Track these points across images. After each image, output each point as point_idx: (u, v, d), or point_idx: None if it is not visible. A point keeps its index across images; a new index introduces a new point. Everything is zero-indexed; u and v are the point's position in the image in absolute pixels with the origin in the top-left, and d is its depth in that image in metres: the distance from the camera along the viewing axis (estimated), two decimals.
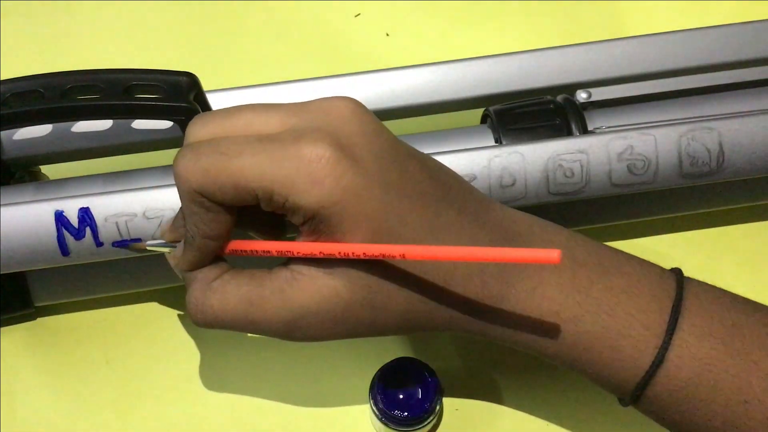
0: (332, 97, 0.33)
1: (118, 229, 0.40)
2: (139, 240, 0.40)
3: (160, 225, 0.39)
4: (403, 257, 0.31)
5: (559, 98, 0.46)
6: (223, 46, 0.59)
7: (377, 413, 0.42)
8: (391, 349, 0.46)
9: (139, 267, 0.45)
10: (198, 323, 0.35)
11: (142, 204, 0.40)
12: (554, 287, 0.34)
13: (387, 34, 0.59)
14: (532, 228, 0.35)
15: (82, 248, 0.40)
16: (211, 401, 0.46)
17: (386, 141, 0.33)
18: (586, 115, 0.45)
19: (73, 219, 0.40)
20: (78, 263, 0.41)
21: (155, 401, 0.46)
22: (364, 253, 0.31)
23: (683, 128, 0.42)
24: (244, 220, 0.35)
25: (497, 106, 0.45)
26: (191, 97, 0.40)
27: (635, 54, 0.47)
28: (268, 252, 0.34)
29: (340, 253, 0.32)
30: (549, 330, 0.34)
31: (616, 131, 0.43)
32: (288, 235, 0.37)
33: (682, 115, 0.45)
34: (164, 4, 0.60)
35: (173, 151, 0.45)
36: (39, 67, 0.42)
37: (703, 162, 0.42)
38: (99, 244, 0.40)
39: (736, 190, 0.48)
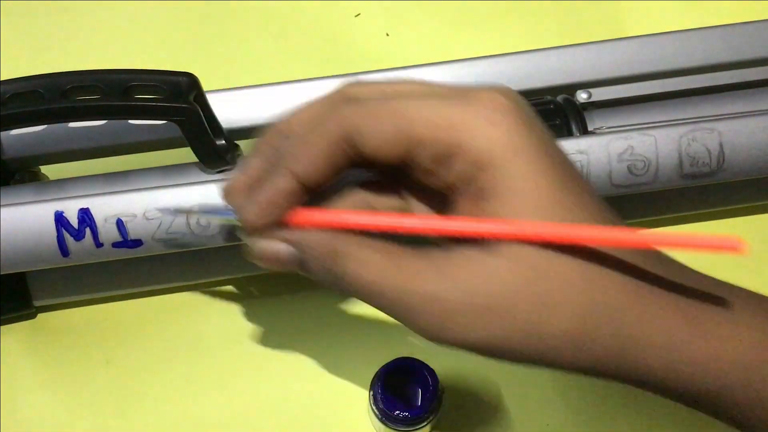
0: (492, 84, 0.30)
1: (118, 230, 0.40)
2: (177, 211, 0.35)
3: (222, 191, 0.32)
4: (595, 243, 0.26)
5: (559, 98, 0.46)
6: (223, 46, 0.59)
7: (377, 413, 0.42)
8: (391, 349, 0.46)
9: (139, 267, 0.45)
10: (326, 275, 0.29)
11: (142, 204, 0.40)
12: (746, 320, 0.29)
13: (387, 34, 0.59)
14: (711, 279, 0.30)
15: (82, 249, 0.40)
16: (211, 401, 0.46)
17: (543, 127, 0.29)
18: (586, 115, 0.45)
19: (73, 219, 0.40)
20: (78, 263, 0.41)
21: (155, 401, 0.46)
22: (542, 236, 0.26)
23: (683, 129, 0.42)
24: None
25: None
26: (191, 97, 0.40)
27: (635, 54, 0.47)
28: (399, 227, 0.29)
29: (509, 235, 0.27)
30: (757, 367, 0.28)
31: (616, 131, 0.43)
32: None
33: (683, 115, 0.45)
34: (164, 4, 0.60)
35: (173, 151, 0.45)
36: (39, 67, 0.42)
37: (703, 162, 0.42)
38: (99, 244, 0.40)
39: (736, 190, 0.48)
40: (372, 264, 0.28)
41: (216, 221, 0.33)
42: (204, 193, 0.41)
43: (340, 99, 0.30)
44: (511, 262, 0.27)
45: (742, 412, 0.29)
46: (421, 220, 0.30)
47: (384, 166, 0.29)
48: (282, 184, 0.29)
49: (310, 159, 0.28)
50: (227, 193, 0.31)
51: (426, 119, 0.27)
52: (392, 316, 0.29)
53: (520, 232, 0.27)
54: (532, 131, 0.28)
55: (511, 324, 0.27)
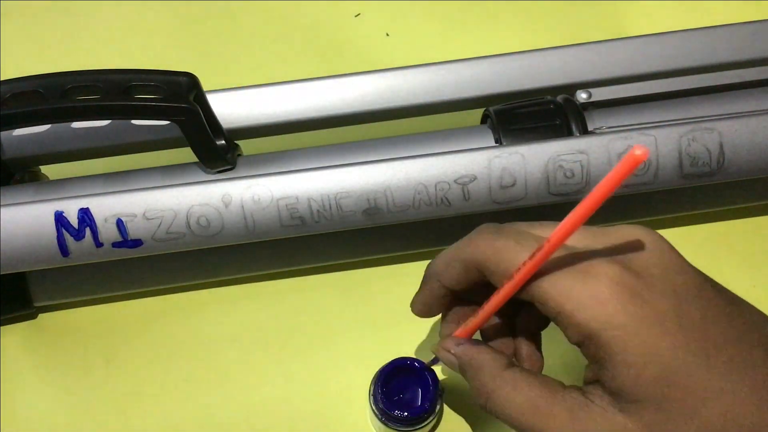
0: (634, 226, 0.32)
1: (118, 230, 0.40)
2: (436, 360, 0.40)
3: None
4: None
5: (559, 98, 0.46)
6: (223, 46, 0.59)
7: (377, 413, 0.42)
8: (391, 349, 0.46)
9: (139, 267, 0.45)
10: (483, 407, 0.34)
11: (142, 204, 0.40)
12: None
13: (387, 34, 0.59)
14: None
15: (82, 249, 0.40)
16: (211, 401, 0.46)
17: (690, 278, 0.31)
18: (586, 115, 0.45)
19: (73, 219, 0.40)
20: (78, 263, 0.41)
21: (155, 401, 0.46)
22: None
23: (683, 128, 0.42)
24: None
25: (497, 106, 0.45)
26: (191, 97, 0.40)
27: (635, 54, 0.46)
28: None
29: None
30: None
31: (616, 131, 0.43)
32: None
33: (683, 115, 0.45)
34: (164, 4, 0.60)
35: (173, 151, 0.45)
36: (39, 67, 0.42)
37: (703, 162, 0.42)
38: (99, 244, 0.40)
39: (736, 190, 0.48)
40: (514, 403, 0.33)
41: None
42: (203, 193, 0.41)
43: (483, 228, 0.34)
44: (643, 424, 0.29)
45: None
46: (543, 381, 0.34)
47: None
48: (433, 289, 0.36)
49: (449, 274, 0.35)
50: (411, 306, 0.39)
51: (540, 285, 0.31)
52: None
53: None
54: (643, 305, 0.29)
55: None
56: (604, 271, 0.30)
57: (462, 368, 0.36)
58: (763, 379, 0.29)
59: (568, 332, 0.31)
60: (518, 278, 0.31)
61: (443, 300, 0.37)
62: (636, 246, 0.31)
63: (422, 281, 0.37)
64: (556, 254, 0.31)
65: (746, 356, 0.30)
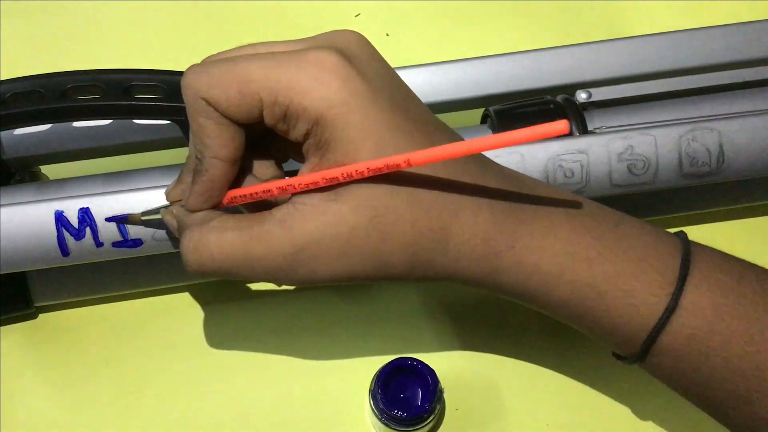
0: (338, 29, 0.33)
1: (119, 230, 0.40)
2: (125, 216, 0.39)
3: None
4: (408, 164, 0.30)
5: (559, 98, 0.46)
6: (223, 46, 0.58)
7: (377, 413, 0.42)
8: (391, 349, 0.46)
9: (139, 267, 0.45)
10: (191, 266, 0.33)
11: (142, 204, 0.40)
12: (567, 229, 0.33)
13: (387, 34, 0.59)
14: (528, 180, 0.35)
15: (82, 248, 0.40)
16: (211, 401, 0.46)
17: (390, 69, 0.33)
18: (586, 115, 0.45)
19: (73, 219, 0.40)
20: (78, 263, 0.41)
21: (155, 401, 0.46)
22: (367, 169, 0.30)
23: (683, 128, 0.42)
24: (247, 172, 0.34)
25: (497, 106, 0.45)
26: None
27: (635, 54, 0.46)
28: (269, 192, 0.33)
29: (343, 175, 0.30)
30: (563, 272, 0.33)
31: (616, 131, 0.43)
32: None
33: (682, 115, 0.45)
34: (164, 4, 0.60)
35: (173, 151, 0.45)
36: (39, 67, 0.42)
37: (703, 162, 0.42)
38: (99, 244, 0.40)
39: (736, 190, 0.48)
40: (223, 244, 0.32)
41: (155, 218, 0.37)
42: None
43: (186, 72, 0.32)
44: (351, 205, 0.31)
45: (549, 311, 0.35)
46: (291, 180, 0.32)
47: (254, 127, 0.32)
48: (211, 170, 0.32)
49: (211, 138, 0.32)
50: (168, 196, 0.36)
51: (264, 82, 0.30)
52: (257, 281, 0.33)
53: (350, 172, 0.30)
54: (360, 83, 0.31)
55: (362, 257, 0.32)
56: (321, 57, 0.30)
57: (179, 230, 0.35)
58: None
59: (298, 124, 0.31)
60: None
61: (228, 179, 0.33)
62: (343, 39, 0.32)
63: (189, 164, 0.34)
64: (274, 52, 0.31)
65: (439, 136, 0.33)
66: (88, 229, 0.40)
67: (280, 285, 0.34)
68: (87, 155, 0.46)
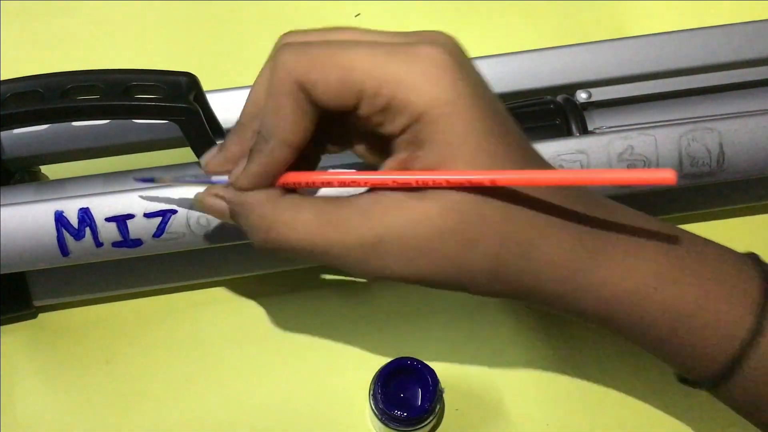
0: (435, 30, 0.32)
1: (118, 230, 0.40)
2: (150, 179, 0.37)
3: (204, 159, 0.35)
4: (494, 183, 0.29)
5: (559, 98, 0.46)
6: (223, 46, 0.59)
7: (377, 413, 0.42)
8: (391, 349, 0.46)
9: (139, 267, 0.45)
10: (266, 244, 0.32)
11: (142, 204, 0.40)
12: (653, 251, 0.32)
13: None
14: (613, 202, 0.34)
15: (82, 248, 0.40)
16: (211, 401, 0.46)
17: (482, 75, 0.32)
18: (586, 115, 0.45)
19: (73, 219, 0.40)
20: (78, 263, 0.41)
21: (155, 401, 0.46)
22: (468, 180, 0.29)
23: (683, 128, 0.42)
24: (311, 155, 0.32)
25: None
26: (191, 97, 0.40)
27: (635, 54, 0.47)
28: (329, 184, 0.31)
29: (435, 182, 0.29)
30: (649, 293, 0.32)
31: (616, 131, 0.43)
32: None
33: (682, 115, 0.45)
34: (164, 4, 0.60)
35: (173, 151, 0.45)
36: (39, 67, 0.42)
37: (703, 162, 0.42)
38: (99, 244, 0.40)
39: (736, 190, 0.48)
40: (300, 224, 0.31)
41: (189, 188, 0.36)
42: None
43: (282, 49, 0.30)
44: (440, 207, 0.30)
45: (631, 333, 0.33)
46: (359, 175, 0.31)
47: (335, 113, 0.31)
48: (276, 153, 0.31)
49: (286, 121, 0.30)
50: (208, 166, 0.34)
51: (370, 72, 0.29)
52: (329, 266, 0.32)
53: (447, 179, 0.29)
54: (467, 86, 0.30)
55: (441, 260, 0.30)
56: (433, 53, 0.29)
57: (234, 212, 0.33)
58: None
59: (397, 118, 0.30)
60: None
61: (286, 163, 0.32)
62: (444, 39, 0.31)
63: (251, 147, 0.32)
64: (374, 42, 0.30)
65: (531, 151, 0.32)
66: (87, 229, 0.40)
67: (349, 275, 0.32)
68: (87, 155, 0.46)
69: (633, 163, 0.42)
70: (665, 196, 0.46)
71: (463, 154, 0.29)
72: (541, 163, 0.33)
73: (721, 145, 0.42)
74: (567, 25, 0.59)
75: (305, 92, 0.30)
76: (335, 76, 0.29)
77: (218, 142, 0.35)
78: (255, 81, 0.33)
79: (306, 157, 0.33)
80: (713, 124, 0.42)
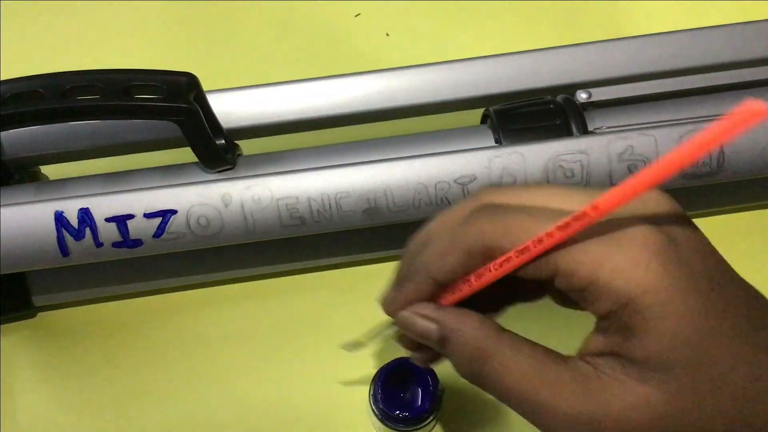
0: (653, 190, 0.29)
1: (118, 230, 0.40)
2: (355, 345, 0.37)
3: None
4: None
5: (559, 98, 0.46)
6: (223, 46, 0.59)
7: (377, 413, 0.42)
8: (391, 349, 0.46)
9: (139, 267, 0.45)
10: (473, 376, 0.31)
11: (142, 204, 0.40)
12: None
13: (387, 34, 0.59)
14: None
15: (82, 248, 0.40)
16: (211, 401, 0.46)
17: (708, 245, 0.29)
18: (586, 115, 0.45)
19: (73, 219, 0.40)
20: (78, 263, 0.41)
21: (155, 401, 0.46)
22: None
23: (683, 128, 0.42)
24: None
25: (497, 106, 0.45)
26: (191, 97, 0.40)
27: (635, 54, 0.47)
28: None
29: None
30: None
31: (616, 131, 0.43)
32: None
33: (682, 115, 0.45)
34: (164, 4, 0.60)
35: (173, 151, 0.45)
36: (39, 67, 0.42)
37: (703, 162, 0.42)
38: (99, 244, 0.40)
39: (736, 190, 0.48)
40: (517, 370, 0.29)
41: (383, 334, 0.36)
42: (203, 193, 0.41)
43: (481, 208, 0.30)
44: (666, 393, 0.27)
45: None
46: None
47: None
48: (422, 286, 0.31)
49: (447, 266, 0.30)
50: (383, 305, 0.33)
51: (569, 254, 0.27)
52: (533, 424, 0.29)
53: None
54: (681, 265, 0.27)
55: None
56: (639, 234, 0.27)
57: (444, 336, 0.31)
58: None
59: (599, 303, 0.28)
60: (537, 249, 0.28)
61: (429, 296, 0.31)
62: (655, 207, 0.29)
63: (403, 276, 0.32)
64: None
65: (759, 319, 0.29)
66: (87, 230, 0.40)
67: None
68: (87, 155, 0.46)
69: (633, 162, 0.42)
70: None
71: (681, 339, 0.27)
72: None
73: (721, 145, 0.42)
74: (567, 25, 0.59)
75: (487, 256, 0.29)
76: (528, 250, 0.28)
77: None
78: (442, 216, 0.32)
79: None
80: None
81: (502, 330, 0.30)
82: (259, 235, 0.42)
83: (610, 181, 0.42)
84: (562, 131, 0.44)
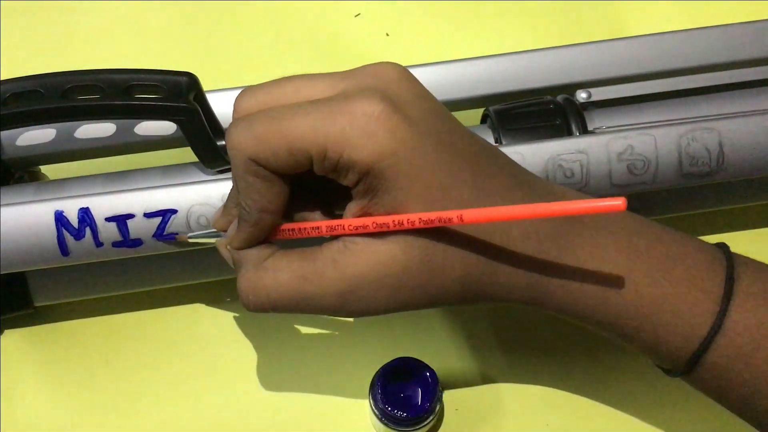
0: (378, 63, 0.33)
1: (118, 230, 0.40)
2: (173, 236, 0.40)
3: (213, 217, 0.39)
4: (461, 220, 0.30)
5: (559, 98, 0.46)
6: (223, 46, 0.59)
7: (377, 413, 0.42)
8: (391, 349, 0.46)
9: (139, 267, 0.45)
10: (250, 306, 0.34)
11: (142, 204, 0.40)
12: (613, 251, 0.33)
13: (387, 34, 0.59)
14: (573, 194, 0.35)
15: (82, 248, 0.40)
16: (211, 401, 0.46)
17: (434, 102, 0.33)
18: (586, 115, 0.45)
19: (73, 219, 0.40)
20: (78, 263, 0.41)
21: (155, 401, 0.46)
22: (420, 220, 0.31)
23: (683, 128, 0.42)
24: (295, 202, 0.34)
25: (497, 106, 0.45)
26: (191, 97, 0.40)
27: (635, 54, 0.47)
28: (318, 230, 0.33)
29: (394, 222, 0.31)
30: (608, 297, 0.33)
31: (616, 131, 0.43)
32: (337, 213, 0.36)
33: (682, 115, 0.44)
34: (164, 4, 0.60)
35: (173, 151, 0.45)
36: (39, 67, 0.42)
37: (703, 162, 0.42)
38: (99, 244, 0.40)
39: (736, 190, 0.48)
40: (280, 285, 0.33)
41: (202, 242, 0.39)
42: (203, 193, 0.41)
43: (230, 129, 0.33)
44: (403, 246, 0.32)
45: (598, 330, 0.35)
46: (320, 222, 0.34)
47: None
48: (260, 223, 0.33)
49: (258, 194, 0.32)
50: (214, 224, 0.38)
51: (312, 139, 0.31)
52: (312, 314, 0.34)
53: (401, 220, 0.31)
54: (407, 129, 0.31)
55: (413, 291, 0.33)
56: (368, 107, 0.30)
57: (234, 264, 0.36)
58: (506, 195, 0.33)
59: (348, 174, 0.31)
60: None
61: (266, 231, 0.34)
62: (384, 76, 0.32)
63: (238, 215, 0.35)
64: (309, 101, 0.32)
65: (486, 169, 0.33)
66: (87, 229, 0.40)
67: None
68: (87, 155, 0.46)
69: (633, 162, 0.42)
70: (665, 196, 0.46)
71: (414, 193, 0.31)
72: (511, 179, 0.34)
73: (720, 145, 0.42)
74: (567, 25, 0.59)
75: (262, 166, 0.32)
76: (283, 147, 0.31)
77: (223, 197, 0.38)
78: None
79: (310, 199, 0.35)
80: (713, 124, 0.42)
81: (267, 255, 0.34)
82: None
83: (609, 181, 0.42)
84: (561, 131, 0.44)
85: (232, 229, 0.35)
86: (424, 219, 0.31)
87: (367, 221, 0.32)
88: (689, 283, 0.33)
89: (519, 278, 0.33)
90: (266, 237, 0.34)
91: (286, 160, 0.31)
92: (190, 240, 0.39)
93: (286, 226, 0.34)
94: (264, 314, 0.35)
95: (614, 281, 0.33)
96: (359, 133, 0.30)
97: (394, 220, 0.31)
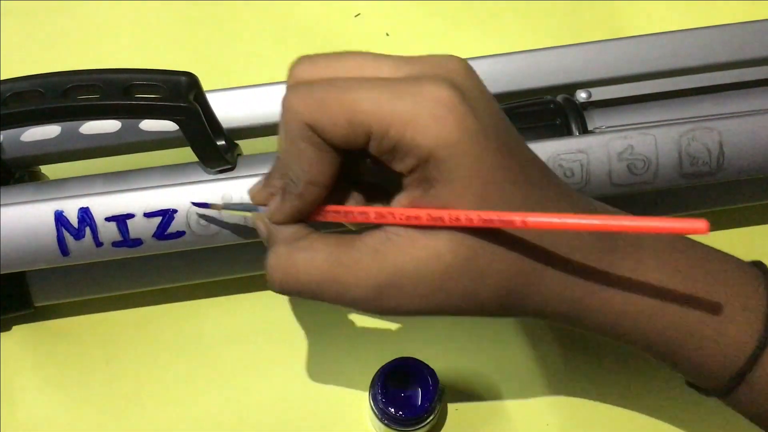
0: (444, 54, 0.32)
1: (118, 229, 0.40)
2: (206, 205, 0.39)
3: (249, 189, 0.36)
4: (525, 225, 0.29)
5: (559, 98, 0.46)
6: (223, 46, 0.59)
7: (377, 413, 0.42)
8: (391, 349, 0.46)
9: (139, 267, 0.45)
10: (275, 285, 0.33)
11: (142, 204, 0.40)
12: (657, 270, 0.32)
13: (387, 34, 0.59)
14: (611, 209, 0.34)
15: (82, 248, 0.40)
16: (211, 401, 0.46)
17: (495, 102, 0.32)
18: (586, 115, 0.45)
19: (73, 219, 0.40)
20: (78, 263, 0.41)
21: (155, 401, 0.46)
22: (479, 218, 0.29)
23: (683, 128, 0.42)
24: (341, 186, 0.33)
25: None
26: (191, 97, 0.40)
27: (635, 54, 0.46)
28: (366, 216, 0.32)
29: (450, 217, 0.29)
30: (651, 315, 0.32)
31: (616, 131, 0.43)
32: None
33: (682, 115, 0.45)
34: (164, 4, 0.60)
35: (173, 151, 0.45)
36: (39, 67, 0.42)
37: (703, 162, 0.42)
38: (99, 244, 0.40)
39: (736, 190, 0.48)
40: (313, 268, 0.32)
41: (236, 214, 0.38)
42: (203, 193, 0.41)
43: (289, 92, 0.31)
44: (450, 244, 0.30)
45: (637, 346, 0.34)
46: (369, 208, 0.32)
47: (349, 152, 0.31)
48: (306, 195, 0.32)
49: (309, 163, 0.31)
50: (253, 197, 0.35)
51: (376, 114, 0.29)
52: (339, 305, 0.32)
53: (458, 217, 0.29)
54: (473, 121, 0.29)
55: (452, 294, 0.31)
56: (438, 92, 0.29)
57: (267, 244, 0.34)
58: (559, 208, 0.32)
59: (405, 160, 0.30)
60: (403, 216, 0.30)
61: (312, 204, 0.33)
62: (452, 68, 0.31)
63: (282, 186, 0.33)
64: (375, 80, 0.30)
65: (537, 177, 0.32)
66: (87, 229, 0.40)
67: (364, 314, 0.33)
68: (87, 155, 0.46)
69: (633, 162, 0.42)
70: (665, 196, 0.46)
71: (473, 190, 0.30)
72: (557, 189, 0.33)
73: (721, 145, 0.42)
74: (566, 25, 0.59)
75: (317, 134, 0.30)
76: (342, 118, 0.29)
77: (263, 173, 0.36)
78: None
79: (349, 191, 0.34)
80: (713, 124, 0.42)
81: (303, 235, 0.33)
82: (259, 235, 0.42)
83: (609, 181, 0.42)
84: (561, 131, 0.44)
85: (275, 202, 0.33)
86: (485, 218, 0.29)
87: (421, 212, 0.30)
88: (734, 301, 0.33)
89: (564, 291, 0.32)
90: (309, 215, 0.33)
91: (344, 133, 0.30)
92: (223, 212, 0.38)
93: (332, 207, 0.32)
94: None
95: (657, 300, 0.32)
96: (427, 115, 0.29)
97: (450, 215, 0.29)
